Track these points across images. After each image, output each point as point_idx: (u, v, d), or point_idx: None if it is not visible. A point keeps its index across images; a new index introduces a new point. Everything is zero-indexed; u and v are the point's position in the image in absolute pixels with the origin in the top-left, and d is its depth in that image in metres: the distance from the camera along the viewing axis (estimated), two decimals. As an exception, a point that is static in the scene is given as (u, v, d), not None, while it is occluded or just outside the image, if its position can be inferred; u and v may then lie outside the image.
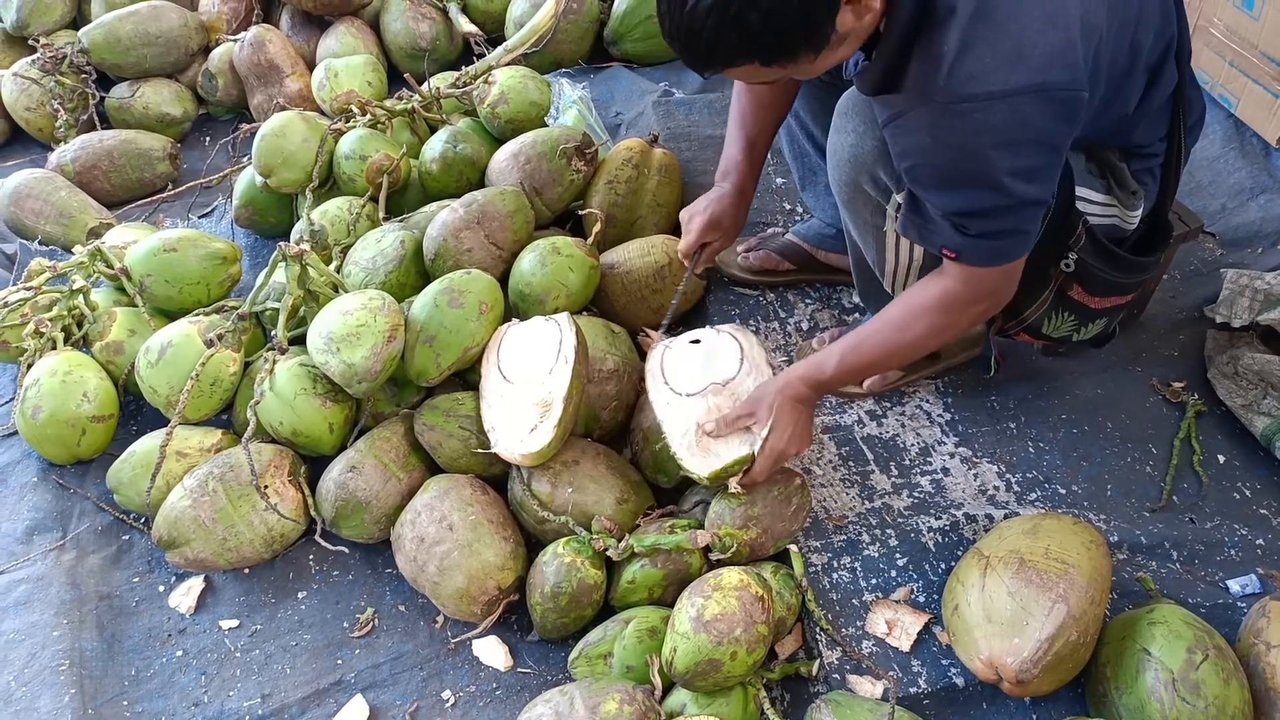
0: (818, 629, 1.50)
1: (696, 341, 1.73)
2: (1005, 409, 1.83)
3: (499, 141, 2.25)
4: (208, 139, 2.90)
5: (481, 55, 2.74)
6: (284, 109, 2.38)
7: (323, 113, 2.58)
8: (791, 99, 1.74)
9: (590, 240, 1.98)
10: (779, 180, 2.32)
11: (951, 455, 1.76)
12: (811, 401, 1.56)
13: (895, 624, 1.50)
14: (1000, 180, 1.23)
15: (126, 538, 1.81)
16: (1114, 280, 1.54)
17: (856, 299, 1.99)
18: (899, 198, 1.46)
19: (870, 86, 1.30)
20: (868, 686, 1.44)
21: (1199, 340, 1.92)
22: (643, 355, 1.92)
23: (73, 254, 2.08)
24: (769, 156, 2.34)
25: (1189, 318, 1.98)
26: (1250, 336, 1.85)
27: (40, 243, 2.40)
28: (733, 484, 1.54)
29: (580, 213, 2.12)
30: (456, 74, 2.49)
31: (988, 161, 1.22)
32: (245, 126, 2.59)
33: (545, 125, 2.31)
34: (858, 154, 1.47)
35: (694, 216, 1.78)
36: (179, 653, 1.63)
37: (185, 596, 1.70)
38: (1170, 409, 1.82)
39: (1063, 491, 1.69)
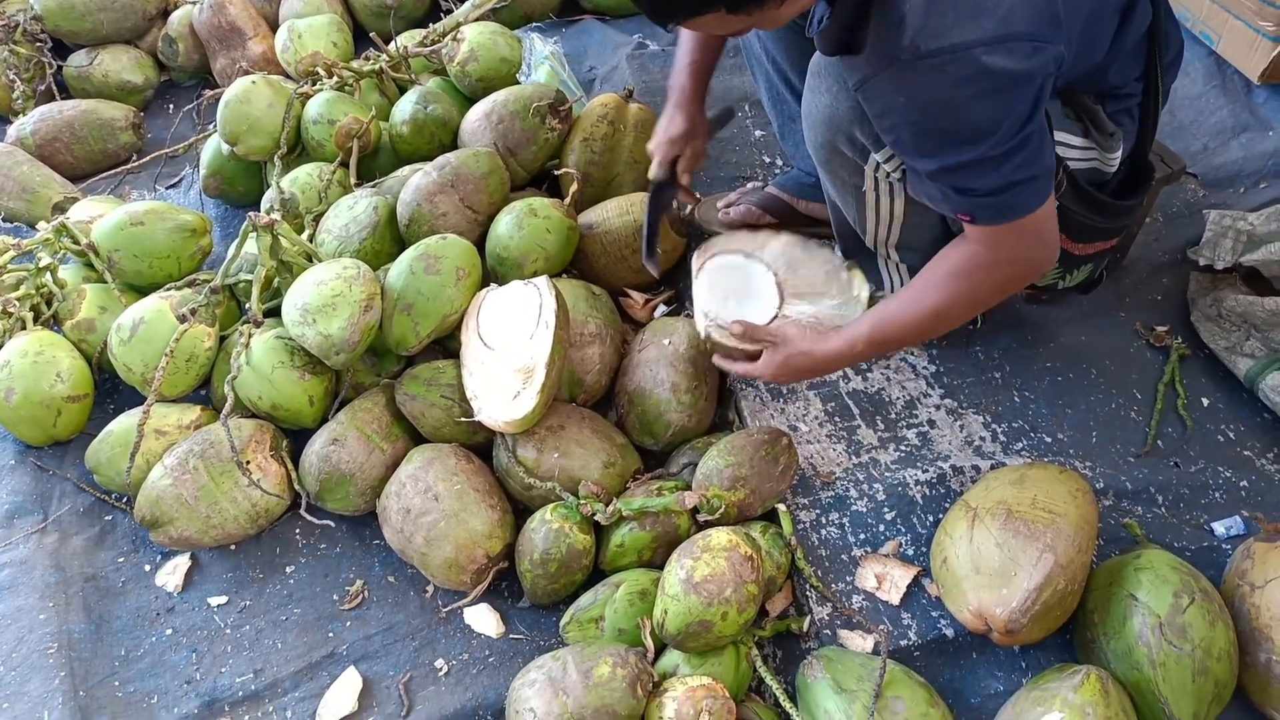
0: (808, 586, 1.51)
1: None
2: (990, 359, 1.83)
3: (470, 101, 2.19)
4: (171, 106, 2.82)
5: (449, 11, 2.66)
6: (247, 73, 2.31)
7: (288, 76, 2.51)
8: None
9: (567, 200, 1.95)
10: (758, 133, 2.28)
11: (937, 407, 1.75)
12: (832, 370, 1.64)
13: (885, 578, 1.51)
14: (979, 131, 1.20)
15: (109, 518, 1.79)
16: (1096, 225, 1.53)
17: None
18: (877, 157, 1.43)
19: (831, 46, 1.26)
20: (859, 641, 1.45)
21: (1182, 283, 1.91)
22: (625, 316, 1.91)
23: (37, 230, 2.03)
24: (746, 108, 2.32)
25: (1172, 260, 1.97)
26: (1233, 278, 1.85)
27: (4, 219, 2.34)
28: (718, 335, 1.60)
29: (556, 172, 2.08)
30: (424, 31, 2.42)
31: (962, 116, 1.19)
32: (208, 93, 2.52)
33: (517, 83, 2.25)
34: (832, 115, 1.44)
35: (652, 141, 1.79)
36: (168, 631, 1.62)
37: (172, 575, 1.69)
38: (1154, 353, 1.82)
39: (1049, 440, 1.69)
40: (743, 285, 1.70)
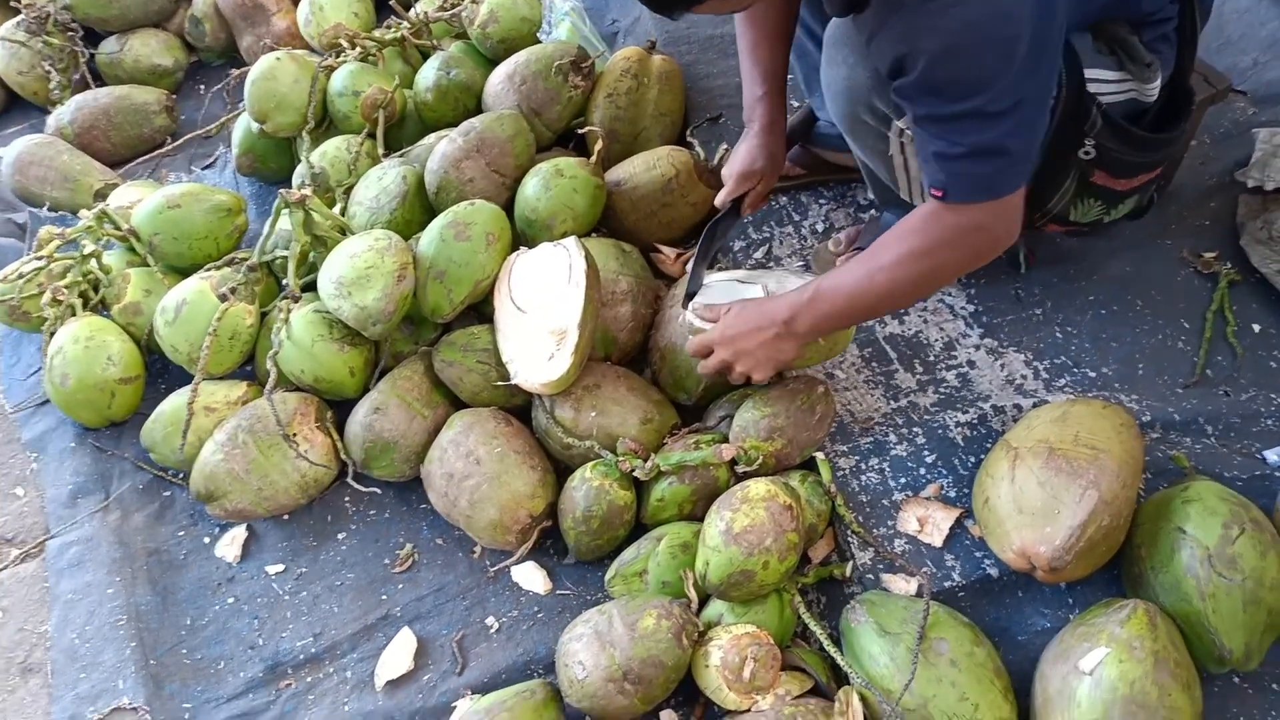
0: (849, 532, 1.51)
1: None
2: (1030, 295, 1.79)
3: (493, 63, 2.18)
4: (202, 87, 2.84)
5: (468, -27, 2.64)
6: (273, 49, 2.31)
7: (312, 49, 2.51)
8: (794, 22, 1.65)
9: (593, 159, 1.93)
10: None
11: (977, 347, 1.73)
12: (781, 327, 1.44)
13: (927, 520, 1.51)
14: (981, 81, 1.15)
15: (168, 494, 1.85)
16: (1137, 161, 1.48)
17: (871, 195, 1.94)
18: (900, 124, 1.41)
19: (840, 6, 1.23)
20: (902, 584, 1.45)
21: (1230, 207, 1.84)
22: (656, 273, 1.90)
23: (80, 218, 2.08)
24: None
25: (1219, 183, 1.90)
26: (1285, 198, 1.78)
27: (49, 209, 2.40)
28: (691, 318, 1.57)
29: (581, 131, 2.07)
30: (443, -5, 2.41)
31: (967, 62, 1.15)
32: (235, 72, 2.54)
33: (538, 42, 2.23)
34: (852, 85, 1.41)
35: (728, 169, 1.70)
36: (230, 600, 1.68)
37: (230, 546, 1.75)
38: (1202, 280, 1.77)
39: (1093, 375, 1.66)
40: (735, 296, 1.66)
